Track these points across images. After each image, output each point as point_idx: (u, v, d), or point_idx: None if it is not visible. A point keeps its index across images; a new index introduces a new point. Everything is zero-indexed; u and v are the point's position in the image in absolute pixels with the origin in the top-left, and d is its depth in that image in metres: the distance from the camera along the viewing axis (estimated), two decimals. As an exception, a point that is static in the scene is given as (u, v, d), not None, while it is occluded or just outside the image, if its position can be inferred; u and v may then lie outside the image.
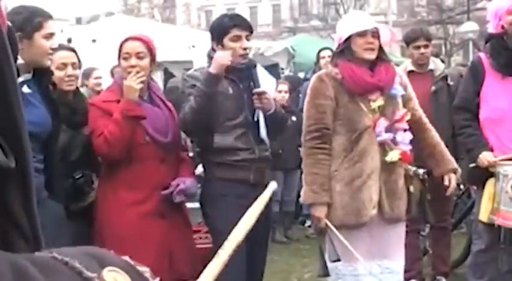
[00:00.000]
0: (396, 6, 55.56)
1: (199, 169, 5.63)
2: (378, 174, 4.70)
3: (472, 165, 5.29)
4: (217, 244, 4.80)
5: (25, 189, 1.10)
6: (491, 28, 5.44)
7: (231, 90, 4.82)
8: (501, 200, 5.05)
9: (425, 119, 5.04)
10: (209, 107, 4.66)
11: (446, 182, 4.97)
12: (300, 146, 8.89)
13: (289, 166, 8.75)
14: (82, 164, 4.72)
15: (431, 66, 6.56)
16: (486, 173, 5.20)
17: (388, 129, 4.70)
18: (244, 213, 4.83)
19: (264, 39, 26.14)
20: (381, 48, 4.81)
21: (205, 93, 4.62)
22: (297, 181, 9.39)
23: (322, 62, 9.68)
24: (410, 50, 6.57)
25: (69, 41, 11.10)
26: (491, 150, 5.21)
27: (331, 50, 9.77)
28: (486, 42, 5.58)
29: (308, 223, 10.17)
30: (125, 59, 4.63)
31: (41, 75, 4.17)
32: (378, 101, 4.72)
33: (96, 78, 8.93)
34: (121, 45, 4.70)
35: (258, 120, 4.86)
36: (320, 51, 9.92)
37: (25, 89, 4.01)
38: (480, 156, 5.18)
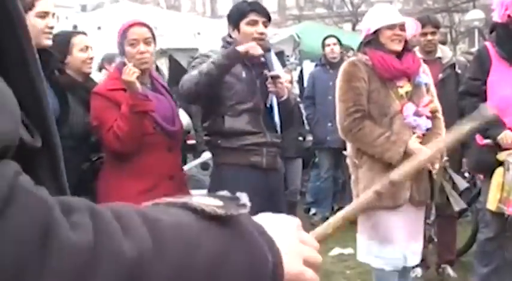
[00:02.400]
0: (402, -6, 55.34)
1: (205, 156, 5.64)
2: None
3: (486, 141, 5.25)
4: None
5: (54, 165, 1.09)
6: (496, 17, 5.42)
7: (244, 74, 4.82)
8: (511, 189, 5.04)
9: (440, 115, 5.09)
10: (217, 79, 4.61)
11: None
12: (301, 135, 9.02)
13: (289, 154, 8.74)
14: (100, 147, 4.73)
15: (439, 53, 6.56)
16: (494, 162, 5.18)
17: (415, 114, 4.83)
18: (256, 199, 4.82)
19: (270, 27, 26.07)
20: (405, 39, 4.97)
21: (221, 64, 4.57)
22: (299, 170, 9.41)
23: (327, 49, 9.64)
24: (418, 37, 6.57)
25: (75, 28, 11.07)
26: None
27: (337, 37, 9.76)
28: (492, 31, 5.56)
29: (313, 210, 10.18)
30: (131, 45, 4.51)
31: (47, 59, 4.10)
32: (405, 87, 4.90)
33: None
34: (125, 31, 4.56)
35: (271, 106, 4.86)
36: (325, 39, 9.87)
37: None
38: (504, 134, 5.14)
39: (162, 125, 4.55)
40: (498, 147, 5.19)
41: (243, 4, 4.99)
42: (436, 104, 5.07)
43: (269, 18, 4.96)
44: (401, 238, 4.83)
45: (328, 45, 9.65)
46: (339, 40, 9.73)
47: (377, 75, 4.86)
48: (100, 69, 9.11)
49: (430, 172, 4.91)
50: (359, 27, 41.98)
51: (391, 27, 4.89)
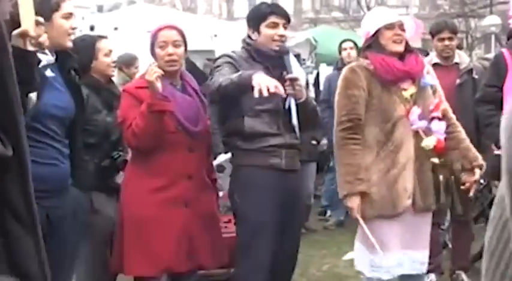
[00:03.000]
0: (418, -2, 55.28)
1: (220, 158, 5.62)
2: (412, 163, 4.75)
3: (499, 152, 5.25)
4: (244, 233, 4.80)
5: (22, 178, 1.11)
6: (514, 24, 5.42)
7: None
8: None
9: (451, 114, 5.03)
10: (234, 94, 4.63)
11: (474, 178, 4.95)
12: (314, 139, 9.01)
13: (303, 158, 8.71)
14: (122, 145, 4.96)
15: (456, 59, 6.53)
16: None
17: (421, 118, 4.76)
18: (275, 200, 4.82)
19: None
20: (406, 41, 4.90)
21: (238, 85, 4.53)
22: (313, 174, 9.39)
23: (344, 53, 9.61)
24: (435, 42, 6.56)
25: (92, 28, 11.11)
26: None
27: (354, 42, 9.74)
28: (508, 38, 5.56)
29: (328, 213, 10.16)
30: (161, 47, 4.66)
31: (64, 59, 4.19)
32: (410, 90, 4.83)
33: (137, 68, 8.89)
34: (155, 34, 4.71)
35: (289, 108, 4.84)
36: (342, 42, 9.85)
37: (48, 72, 4.02)
38: None
39: (184, 125, 4.65)
40: None
41: (262, 6, 5.00)
42: (446, 105, 5.03)
43: (289, 21, 4.97)
44: (396, 246, 4.79)
45: (345, 49, 9.63)
46: (355, 44, 9.71)
47: (379, 80, 4.80)
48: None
49: (435, 174, 4.85)
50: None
51: (389, 27, 4.82)
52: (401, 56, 4.87)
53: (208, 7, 60.90)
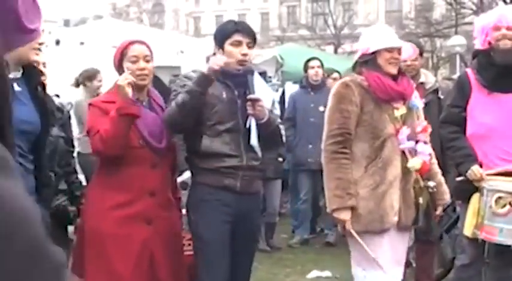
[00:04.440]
0: (384, 18, 55.74)
1: (185, 175, 5.61)
2: (399, 182, 4.82)
3: (459, 179, 5.30)
4: (198, 251, 4.74)
5: None
6: (478, 44, 5.46)
7: (224, 95, 4.75)
8: (485, 214, 5.06)
9: (429, 142, 5.11)
10: (195, 107, 4.61)
11: (436, 213, 5.14)
12: (280, 156, 9.01)
13: (269, 175, 8.73)
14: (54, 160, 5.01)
15: (422, 78, 6.56)
16: (472, 188, 5.20)
17: (409, 138, 4.85)
18: (227, 221, 4.79)
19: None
20: None
21: (193, 91, 4.57)
22: (278, 191, 9.38)
23: (311, 71, 9.58)
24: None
25: (58, 42, 11.06)
26: (480, 164, 5.21)
27: (320, 60, 9.76)
28: (473, 58, 5.59)
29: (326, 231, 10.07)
30: (132, 62, 4.63)
31: (30, 74, 4.14)
32: (401, 110, 4.91)
33: (100, 81, 8.86)
34: (125, 48, 4.70)
35: (250, 128, 4.78)
36: (308, 61, 9.85)
37: (15, 87, 3.98)
38: (471, 169, 5.18)
39: (148, 141, 4.61)
40: (471, 181, 5.23)
41: (229, 24, 4.97)
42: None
43: (254, 40, 4.91)
44: (387, 262, 4.81)
45: (313, 67, 9.60)
46: (321, 63, 9.73)
47: (371, 97, 4.85)
48: (78, 84, 9.09)
49: (416, 197, 4.91)
50: (341, 50, 42.29)
51: (390, 50, 4.89)
52: (394, 77, 4.94)
53: (175, 23, 60.99)
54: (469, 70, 5.49)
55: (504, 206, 5.00)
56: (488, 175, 5.15)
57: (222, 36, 4.83)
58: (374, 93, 4.84)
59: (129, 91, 4.45)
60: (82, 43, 11.99)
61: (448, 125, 5.47)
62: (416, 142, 4.92)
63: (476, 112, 5.29)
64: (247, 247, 4.95)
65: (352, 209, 4.77)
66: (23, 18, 0.98)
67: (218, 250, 4.67)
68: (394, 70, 4.91)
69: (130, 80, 4.47)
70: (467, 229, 5.24)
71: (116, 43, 5.15)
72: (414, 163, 4.84)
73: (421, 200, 4.91)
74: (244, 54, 4.77)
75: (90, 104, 4.75)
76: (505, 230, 5.01)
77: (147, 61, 4.66)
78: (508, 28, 5.25)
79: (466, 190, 5.27)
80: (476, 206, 5.16)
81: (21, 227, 0.83)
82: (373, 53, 4.92)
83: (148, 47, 4.74)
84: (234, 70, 4.77)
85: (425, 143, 4.96)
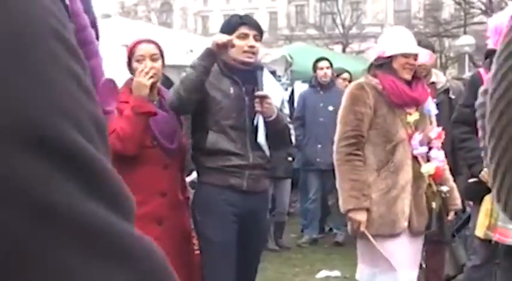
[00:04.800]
0: (393, 18, 55.66)
1: (194, 175, 5.58)
2: (410, 187, 4.80)
3: (472, 180, 5.27)
4: (204, 252, 4.70)
5: None
6: (491, 44, 5.41)
7: (232, 91, 4.73)
8: (499, 216, 5.02)
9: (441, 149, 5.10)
10: (199, 82, 4.58)
11: (448, 218, 5.15)
12: (290, 155, 8.99)
13: (279, 175, 8.73)
14: None
15: (433, 78, 6.53)
16: (484, 189, 5.16)
17: (421, 144, 4.84)
18: (234, 221, 4.75)
19: (261, 47, 26.12)
20: None
21: (196, 66, 4.57)
22: (288, 191, 9.37)
23: (320, 72, 9.56)
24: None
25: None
26: None
27: (329, 60, 9.73)
28: (486, 58, 5.56)
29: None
30: (138, 61, 4.63)
31: None
32: (414, 115, 4.89)
33: None
34: (133, 47, 4.70)
35: (257, 125, 4.75)
36: (317, 61, 9.83)
37: None
38: (484, 171, 5.15)
39: (160, 141, 4.59)
40: (484, 183, 5.19)
41: (234, 18, 4.96)
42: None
43: (261, 32, 4.90)
44: (404, 266, 4.81)
45: (322, 68, 9.58)
46: (330, 63, 9.71)
47: (385, 101, 4.83)
48: None
49: (429, 202, 4.90)
50: (349, 50, 42.24)
51: (406, 55, 4.87)
52: (408, 81, 4.92)
53: (184, 22, 60.99)
54: (481, 70, 5.46)
55: (518, 208, 4.97)
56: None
57: (227, 30, 4.80)
58: (388, 97, 4.83)
59: (147, 91, 4.47)
60: (91, 42, 11.97)
61: (460, 125, 5.45)
62: (430, 148, 4.93)
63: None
64: (254, 247, 4.93)
65: (367, 211, 4.77)
66: (103, 103, 0.98)
67: (224, 251, 4.65)
68: (408, 76, 4.89)
69: (153, 79, 4.51)
70: (479, 230, 5.21)
71: (125, 42, 5.14)
72: (428, 168, 4.85)
73: (434, 205, 4.91)
74: (252, 47, 4.76)
75: None
76: (519, 232, 4.98)
77: (154, 60, 4.64)
78: (522, 28, 5.22)
79: (478, 191, 5.24)
80: (488, 207, 5.13)
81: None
82: (389, 57, 4.90)
83: (157, 45, 4.73)
84: (240, 65, 4.75)
85: (438, 149, 4.97)
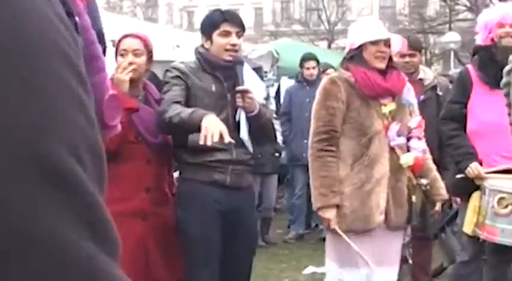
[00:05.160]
0: (378, 14, 55.70)
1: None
2: (387, 180, 4.70)
3: (459, 176, 5.27)
4: (188, 249, 4.61)
5: None
6: (479, 40, 5.43)
7: (213, 88, 4.65)
8: (487, 214, 5.03)
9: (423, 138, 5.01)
10: (184, 132, 4.49)
11: (434, 210, 5.06)
12: (277, 151, 9.00)
13: (266, 170, 8.74)
14: None
15: (421, 75, 6.52)
16: (471, 186, 5.18)
17: (399, 134, 4.72)
18: (217, 217, 4.64)
19: (246, 43, 26.12)
20: (390, 56, 4.84)
21: (187, 125, 4.36)
22: (275, 186, 9.38)
23: (306, 72, 9.58)
24: (397, 58, 6.53)
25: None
26: (480, 162, 5.18)
27: (316, 58, 9.73)
28: (474, 54, 5.56)
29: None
30: (121, 55, 4.60)
31: None
32: (389, 106, 4.78)
33: None
34: (118, 42, 4.68)
35: (239, 121, 4.67)
36: (304, 60, 9.82)
37: None
38: (469, 167, 5.15)
39: (144, 136, 4.55)
40: (471, 179, 5.19)
41: (215, 13, 4.83)
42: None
43: (243, 28, 4.78)
44: (379, 262, 4.73)
45: (308, 68, 9.60)
46: (317, 61, 9.71)
47: (358, 94, 4.74)
48: None
49: (409, 195, 4.83)
50: (335, 46, 42.27)
51: (375, 43, 4.75)
52: (383, 71, 4.80)
53: (169, 17, 60.84)
54: (470, 66, 5.46)
55: (506, 206, 4.97)
56: (488, 172, 5.12)
57: (209, 27, 4.72)
58: (360, 90, 4.73)
59: (127, 87, 4.41)
60: (77, 37, 11.93)
61: (448, 121, 5.44)
62: (410, 138, 4.84)
63: (477, 109, 5.27)
64: (245, 244, 4.83)
65: (338, 207, 4.70)
66: (107, 119, 1.00)
67: (207, 249, 4.58)
68: (381, 64, 4.78)
69: (131, 73, 4.45)
70: (467, 227, 5.21)
71: (110, 37, 5.08)
72: (407, 159, 4.74)
73: (414, 198, 4.82)
74: (234, 45, 4.67)
75: None
76: (507, 231, 4.98)
77: (137, 55, 4.59)
78: (512, 25, 5.23)
79: (465, 187, 5.24)
80: (476, 204, 5.14)
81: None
82: (359, 47, 4.80)
83: (143, 40, 4.67)
84: (221, 61, 4.67)
85: (419, 138, 4.86)
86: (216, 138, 4.12)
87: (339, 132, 4.74)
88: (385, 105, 4.78)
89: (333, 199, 4.68)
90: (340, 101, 4.72)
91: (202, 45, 4.78)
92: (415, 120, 4.89)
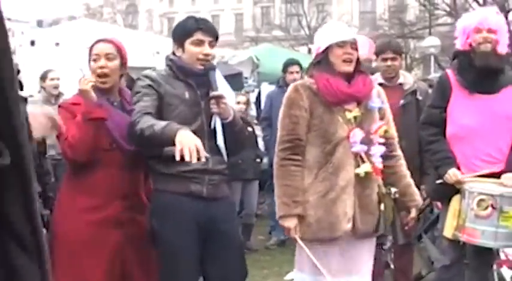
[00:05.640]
0: (358, 19, 55.94)
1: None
2: (353, 187, 4.59)
3: (438, 181, 5.28)
4: (162, 261, 4.49)
5: (25, 196, 1.02)
6: (458, 45, 5.44)
7: (187, 95, 4.50)
8: (467, 216, 5.03)
9: (397, 144, 4.93)
10: (157, 145, 4.34)
11: (410, 217, 4.93)
12: (258, 157, 9.00)
13: (248, 176, 8.74)
14: None
15: (401, 79, 6.53)
16: (452, 190, 5.18)
17: (363, 141, 4.59)
18: (194, 230, 4.54)
19: (226, 48, 26.11)
20: (357, 60, 4.71)
21: (160, 139, 4.17)
22: (256, 192, 9.38)
23: (289, 76, 9.53)
24: (378, 62, 6.54)
25: (33, 43, 10.97)
26: (458, 167, 5.19)
27: (299, 63, 9.71)
28: (453, 59, 5.57)
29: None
30: (94, 60, 4.55)
31: None
32: (353, 112, 4.63)
33: (52, 79, 8.88)
34: (91, 47, 4.63)
35: (215, 128, 4.53)
36: (288, 65, 9.77)
37: None
38: (447, 173, 5.16)
39: (119, 143, 4.47)
40: (451, 184, 5.20)
41: (189, 21, 4.66)
42: (391, 130, 4.90)
43: (216, 38, 4.65)
44: (335, 271, 4.63)
45: (292, 73, 9.52)
46: (300, 66, 9.71)
47: (321, 100, 4.62)
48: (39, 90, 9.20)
49: (379, 203, 4.72)
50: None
51: (341, 45, 4.62)
52: (349, 75, 4.68)
53: (149, 24, 60.84)
54: (449, 71, 5.47)
55: (486, 208, 4.98)
56: (469, 177, 5.13)
57: (182, 35, 4.57)
58: (323, 97, 4.61)
59: (93, 95, 4.35)
60: (57, 44, 11.90)
61: (428, 126, 5.44)
62: (373, 144, 4.66)
63: (457, 113, 5.28)
64: (230, 254, 4.62)
65: (301, 216, 4.59)
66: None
67: (183, 262, 4.43)
68: (348, 68, 4.64)
69: (92, 82, 4.40)
70: (448, 231, 5.22)
71: (90, 44, 5.07)
72: (363, 168, 4.60)
73: (382, 206, 4.70)
74: (206, 55, 4.54)
75: (59, 106, 4.66)
76: (487, 233, 4.99)
77: (109, 59, 4.53)
78: (489, 31, 5.23)
79: (445, 192, 5.25)
80: (456, 208, 5.14)
81: None
82: (325, 51, 4.68)
83: (115, 45, 4.62)
84: (194, 68, 4.53)
85: (379, 144, 4.71)
86: (194, 159, 3.95)
87: (304, 141, 4.64)
88: (349, 111, 4.65)
89: (295, 209, 4.58)
90: (303, 109, 4.62)
91: (174, 53, 4.63)
92: (375, 125, 4.72)
